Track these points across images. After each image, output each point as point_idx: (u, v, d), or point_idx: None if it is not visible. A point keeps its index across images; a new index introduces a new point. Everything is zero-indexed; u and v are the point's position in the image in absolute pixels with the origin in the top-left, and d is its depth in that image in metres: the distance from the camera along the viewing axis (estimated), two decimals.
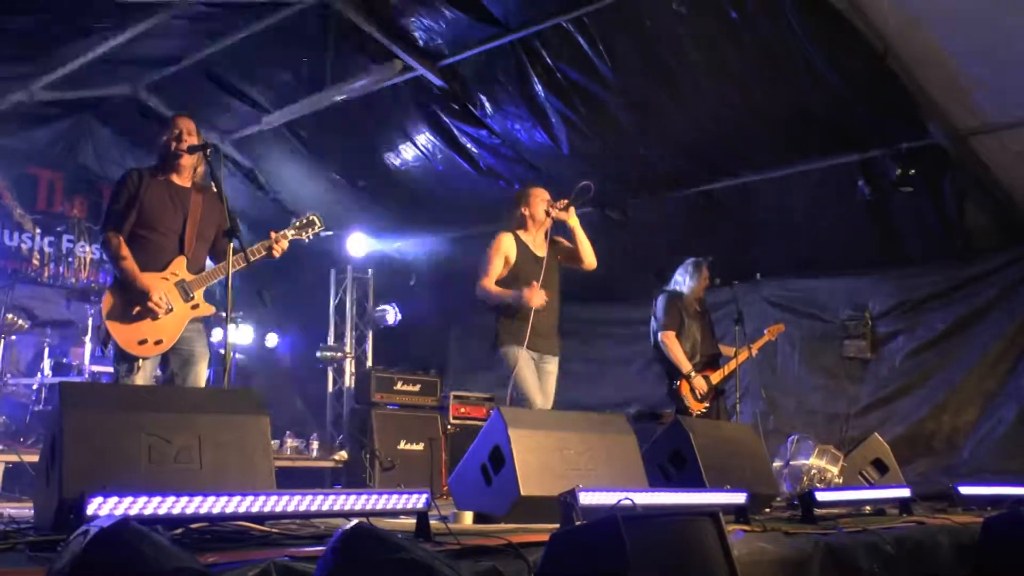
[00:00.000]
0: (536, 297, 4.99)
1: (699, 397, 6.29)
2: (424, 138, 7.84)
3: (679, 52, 6.22)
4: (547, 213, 5.21)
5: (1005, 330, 7.03)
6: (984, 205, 7.01)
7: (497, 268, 5.19)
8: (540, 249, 5.28)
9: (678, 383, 6.29)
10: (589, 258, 5.31)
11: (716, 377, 6.46)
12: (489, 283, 5.17)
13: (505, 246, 5.22)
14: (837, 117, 6.47)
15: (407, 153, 8.10)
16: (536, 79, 6.78)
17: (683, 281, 6.52)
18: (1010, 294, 7.05)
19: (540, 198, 5.30)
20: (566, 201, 5.19)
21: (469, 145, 7.71)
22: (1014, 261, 7.11)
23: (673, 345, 6.33)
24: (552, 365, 5.25)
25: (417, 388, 7.82)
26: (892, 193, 6.64)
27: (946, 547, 4.96)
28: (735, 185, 7.40)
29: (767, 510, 4.95)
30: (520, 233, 5.30)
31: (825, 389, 7.58)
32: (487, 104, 7.21)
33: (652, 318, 6.53)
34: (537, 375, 5.15)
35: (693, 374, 6.29)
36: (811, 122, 6.55)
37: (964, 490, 5.80)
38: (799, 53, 5.94)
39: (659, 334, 6.39)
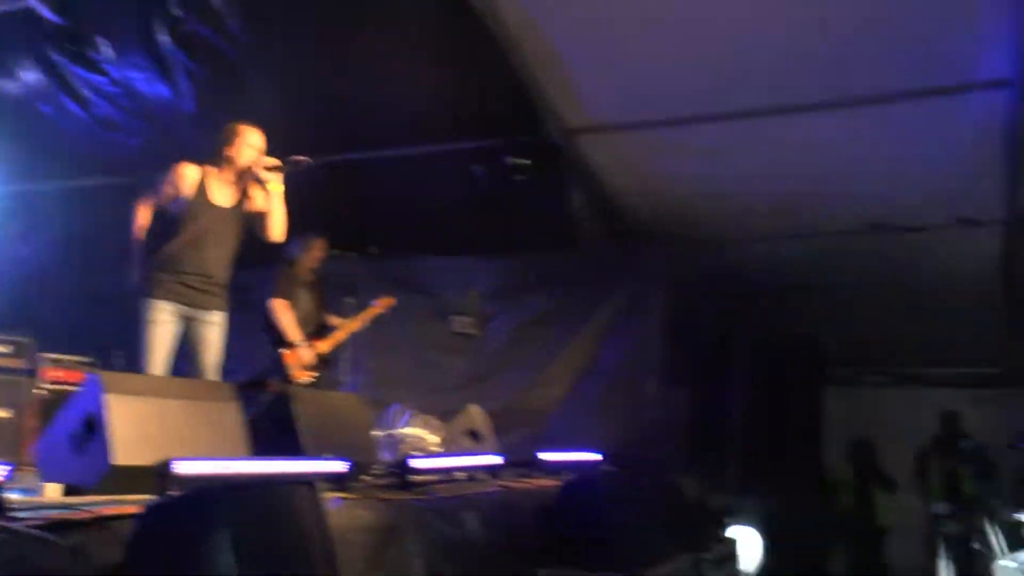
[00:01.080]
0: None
1: (306, 366, 6.44)
2: (33, 77, 7.18)
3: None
4: (250, 166, 4.92)
5: (596, 315, 7.95)
6: (589, 199, 7.88)
7: (165, 197, 4.83)
8: (223, 197, 4.97)
9: (284, 352, 6.39)
10: (276, 231, 5.06)
11: (324, 347, 6.62)
12: (142, 217, 4.80)
13: (183, 177, 4.84)
14: (460, 104, 6.84)
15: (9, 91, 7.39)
16: (162, 29, 6.47)
17: (297, 251, 6.61)
18: (605, 283, 7.98)
19: (249, 144, 4.97)
20: (278, 162, 4.93)
21: (85, 91, 7.19)
22: (612, 252, 8.07)
23: (283, 314, 6.41)
24: (211, 319, 4.97)
25: (9, 349, 7.22)
26: (506, 182, 7.21)
27: (529, 508, 5.56)
28: (358, 160, 7.59)
29: (367, 478, 5.22)
30: (210, 171, 4.94)
31: (432, 362, 8.05)
32: (107, 49, 6.76)
33: (264, 286, 6.55)
34: (189, 332, 4.91)
35: (300, 344, 6.42)
36: (436, 106, 6.88)
37: (545, 456, 6.53)
38: (429, 38, 6.23)
39: (269, 302, 6.44)
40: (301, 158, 4.93)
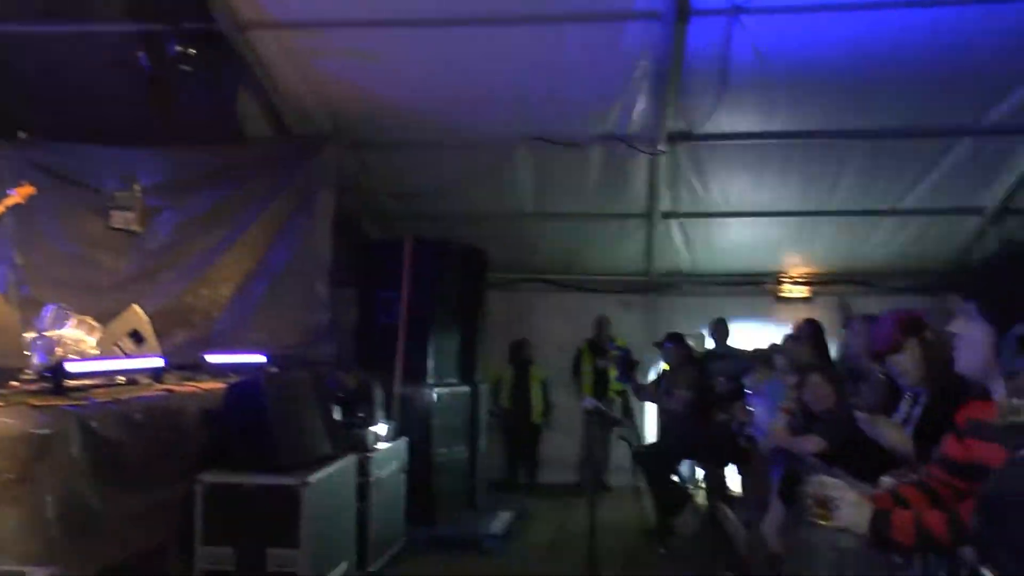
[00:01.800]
0: None
1: None
2: None
3: None
4: None
5: (265, 213, 7.94)
6: (258, 95, 7.82)
7: None
8: None
9: None
10: None
11: None
12: None
13: None
14: None
15: None
16: None
17: None
18: (274, 181, 7.97)
19: None
20: None
21: None
22: (281, 150, 8.07)
23: None
24: None
25: None
26: (173, 70, 6.99)
27: (192, 412, 5.63)
28: (3, 33, 7.03)
29: (16, 384, 5.03)
30: None
31: (89, 259, 7.68)
32: None
33: None
34: None
35: None
36: None
37: (211, 359, 6.59)
38: None
39: None
40: None
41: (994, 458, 2.62)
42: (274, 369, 6.72)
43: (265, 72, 7.53)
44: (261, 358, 6.93)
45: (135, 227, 7.53)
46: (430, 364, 8.44)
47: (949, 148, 8.29)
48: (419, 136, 8.40)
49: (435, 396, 8.37)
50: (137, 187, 7.51)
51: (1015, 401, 2.17)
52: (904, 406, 4.46)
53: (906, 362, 4.23)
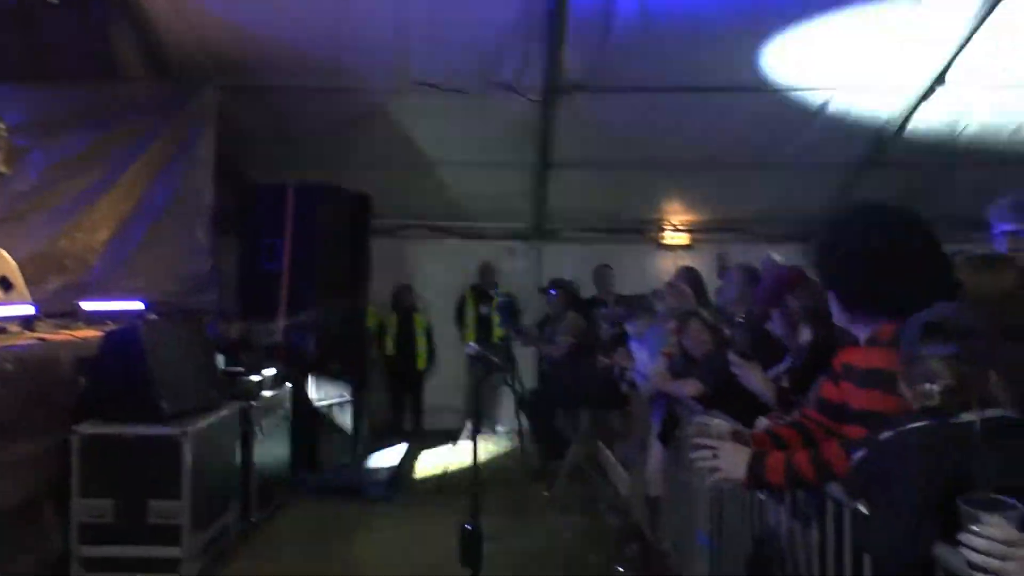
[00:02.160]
0: None
1: None
2: None
3: None
4: None
5: (143, 155, 7.68)
6: (134, 31, 7.51)
7: None
8: None
9: None
10: None
11: None
12: None
13: None
14: None
15: None
16: None
17: None
18: (152, 122, 7.70)
19: None
20: None
21: None
22: (160, 90, 7.79)
23: None
24: None
25: None
26: (41, 5, 6.65)
27: (67, 361, 5.47)
28: None
29: None
30: None
31: None
32: None
33: None
34: None
35: None
36: None
37: (87, 306, 6.39)
38: None
39: None
40: None
41: (861, 400, 2.78)
42: (153, 316, 6.56)
43: (139, 9, 7.23)
44: (139, 305, 6.74)
45: (1, 168, 7.20)
46: (314, 311, 8.35)
47: (824, 103, 8.56)
48: (302, 80, 8.21)
49: (320, 342, 8.29)
50: (2, 125, 7.16)
51: (928, 387, 2.30)
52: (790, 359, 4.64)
53: (785, 316, 4.38)
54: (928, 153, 9.14)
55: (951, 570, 2.08)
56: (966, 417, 2.23)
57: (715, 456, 3.07)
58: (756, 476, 2.95)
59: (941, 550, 2.11)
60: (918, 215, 2.91)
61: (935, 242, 2.84)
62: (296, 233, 8.19)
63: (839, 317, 2.97)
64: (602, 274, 10.45)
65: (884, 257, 2.76)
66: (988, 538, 1.91)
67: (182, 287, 7.49)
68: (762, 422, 3.47)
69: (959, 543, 1.97)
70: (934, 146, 9.05)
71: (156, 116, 7.70)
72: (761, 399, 4.19)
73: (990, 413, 2.23)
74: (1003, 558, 1.88)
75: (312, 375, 8.22)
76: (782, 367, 4.49)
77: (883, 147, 9.23)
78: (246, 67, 8.00)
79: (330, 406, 8.31)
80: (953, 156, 9.19)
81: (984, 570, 1.91)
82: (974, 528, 1.94)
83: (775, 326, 4.60)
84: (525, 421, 9.00)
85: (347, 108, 8.60)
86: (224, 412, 6.11)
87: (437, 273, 11.37)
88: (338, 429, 8.47)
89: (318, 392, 8.22)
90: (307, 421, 7.97)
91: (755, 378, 4.20)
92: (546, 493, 7.97)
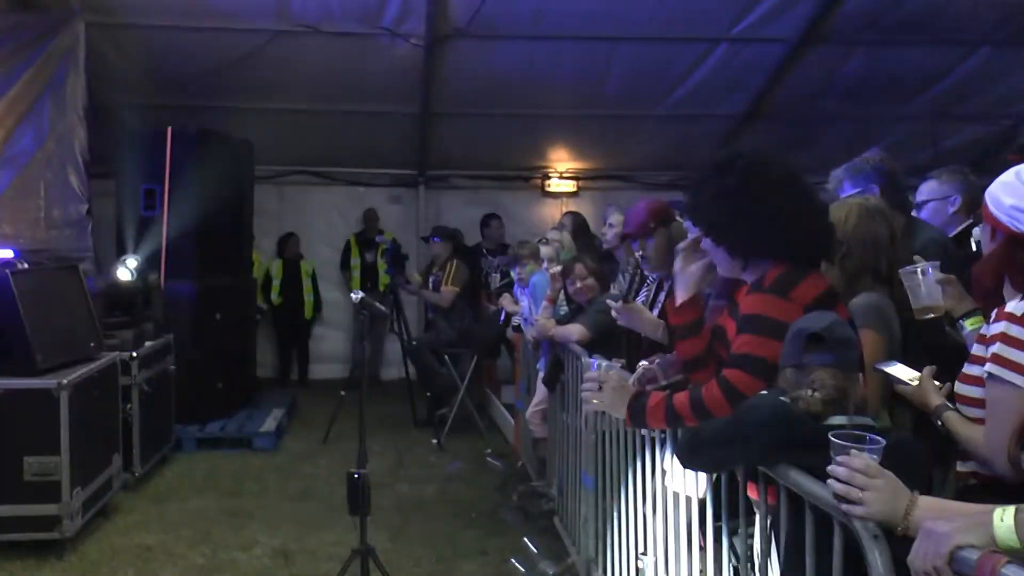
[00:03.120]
0: None
1: None
2: None
3: None
4: None
5: (5, 96, 7.36)
6: None
7: None
8: None
9: None
10: None
11: None
12: None
13: None
14: None
15: None
16: None
17: None
18: (11, 59, 7.40)
19: None
20: None
21: None
22: (16, 21, 7.48)
23: None
24: None
25: None
26: None
27: None
28: None
29: None
30: None
31: None
32: None
33: None
34: None
35: None
36: None
37: None
38: None
39: None
40: None
41: (737, 344, 2.86)
42: (24, 265, 6.30)
43: None
44: (8, 253, 6.46)
45: None
46: (195, 259, 8.15)
47: (708, 53, 8.73)
48: (177, 20, 7.94)
49: (202, 291, 8.11)
50: None
51: (811, 394, 2.40)
52: (646, 291, 4.73)
53: (653, 249, 4.45)
54: (806, 105, 9.44)
55: (820, 504, 2.20)
56: (837, 420, 2.36)
57: (600, 390, 3.15)
58: (636, 416, 3.04)
59: (811, 486, 2.23)
60: (790, 162, 3.00)
61: (809, 187, 2.95)
62: (175, 179, 7.94)
63: (725, 268, 3.04)
64: (488, 222, 10.50)
65: (760, 199, 2.84)
66: (850, 468, 2.03)
67: (55, 234, 7.22)
68: (642, 365, 3.54)
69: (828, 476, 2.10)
70: (812, 98, 9.35)
71: (17, 53, 7.34)
72: (653, 339, 4.23)
73: (858, 419, 2.37)
74: (862, 488, 2.00)
75: (195, 324, 8.04)
76: (639, 300, 4.57)
77: (765, 98, 9.47)
78: (117, 4, 7.68)
79: (214, 356, 8.15)
80: (830, 109, 9.51)
81: (846, 499, 2.03)
82: (838, 459, 2.06)
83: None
84: (412, 369, 9.03)
85: (226, 50, 8.34)
86: (103, 363, 5.95)
87: (322, 220, 11.25)
88: (224, 379, 8.33)
89: (201, 342, 8.05)
90: (192, 372, 7.81)
91: (639, 320, 4.24)
92: (434, 440, 8.03)
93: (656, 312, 4.37)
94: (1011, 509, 1.81)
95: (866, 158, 4.00)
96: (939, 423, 2.59)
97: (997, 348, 2.32)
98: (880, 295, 3.14)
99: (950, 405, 2.60)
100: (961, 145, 9.95)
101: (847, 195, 3.77)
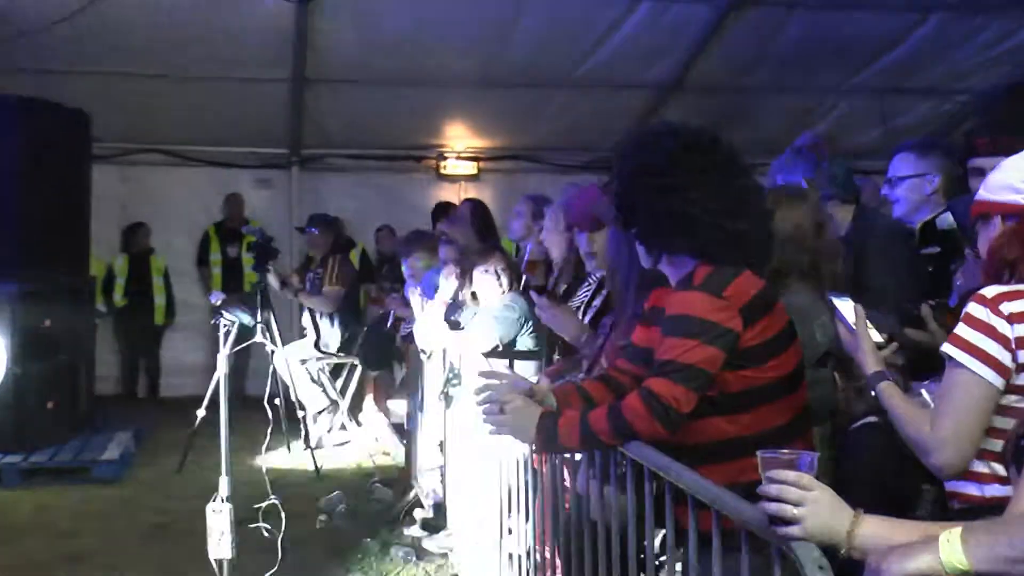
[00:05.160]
0: None
1: None
2: None
3: None
4: None
5: None
6: None
7: None
8: None
9: None
10: None
11: None
12: None
13: None
14: None
15: None
16: None
17: None
18: None
19: None
20: None
21: None
22: None
23: None
24: None
25: None
26: None
27: None
28: None
29: None
30: None
31: None
32: None
33: None
34: None
35: None
36: None
37: None
38: None
39: None
40: None
41: (663, 349, 2.86)
42: None
43: None
44: None
45: None
46: (17, 254, 7.87)
47: (627, 16, 8.76)
48: None
49: (26, 293, 7.84)
50: None
51: None
52: (586, 288, 4.72)
53: (601, 243, 4.40)
54: (740, 76, 9.58)
55: (756, 532, 2.19)
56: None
57: (502, 413, 3.09)
58: (547, 439, 2.98)
59: (749, 513, 2.22)
60: (719, 136, 3.00)
61: (742, 165, 2.96)
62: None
63: (648, 259, 3.03)
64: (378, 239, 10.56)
65: (683, 179, 2.84)
66: (781, 482, 2.04)
67: None
68: (556, 359, 3.52)
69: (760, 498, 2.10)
70: (747, 68, 9.49)
71: None
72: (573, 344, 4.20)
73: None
74: (797, 503, 2.01)
75: (13, 334, 7.76)
76: (578, 300, 4.59)
77: (693, 67, 9.57)
78: None
79: (42, 370, 7.89)
80: (767, 81, 9.68)
81: (782, 520, 2.03)
82: (767, 475, 2.08)
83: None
84: (283, 383, 8.88)
85: (56, 2, 8.07)
86: None
87: (176, 207, 11.07)
88: (53, 398, 8.08)
89: (27, 354, 7.78)
90: (10, 392, 7.56)
91: (563, 321, 4.22)
92: (311, 468, 7.92)
93: (590, 316, 4.37)
94: (957, 530, 1.90)
95: (796, 146, 4.10)
96: (872, 394, 2.66)
97: (959, 328, 2.42)
98: (806, 295, 3.20)
99: (888, 375, 2.66)
100: (913, 124, 10.22)
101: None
